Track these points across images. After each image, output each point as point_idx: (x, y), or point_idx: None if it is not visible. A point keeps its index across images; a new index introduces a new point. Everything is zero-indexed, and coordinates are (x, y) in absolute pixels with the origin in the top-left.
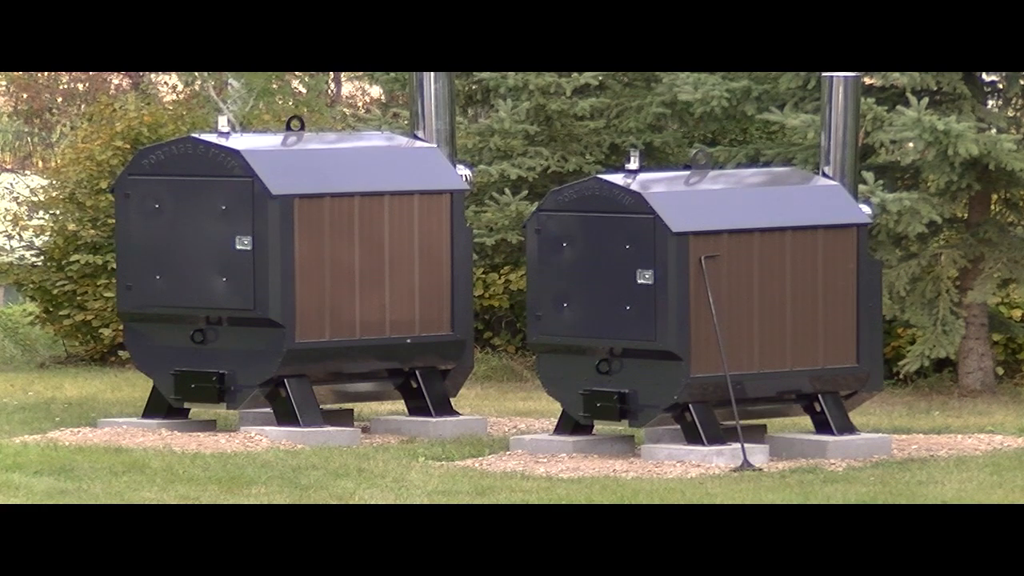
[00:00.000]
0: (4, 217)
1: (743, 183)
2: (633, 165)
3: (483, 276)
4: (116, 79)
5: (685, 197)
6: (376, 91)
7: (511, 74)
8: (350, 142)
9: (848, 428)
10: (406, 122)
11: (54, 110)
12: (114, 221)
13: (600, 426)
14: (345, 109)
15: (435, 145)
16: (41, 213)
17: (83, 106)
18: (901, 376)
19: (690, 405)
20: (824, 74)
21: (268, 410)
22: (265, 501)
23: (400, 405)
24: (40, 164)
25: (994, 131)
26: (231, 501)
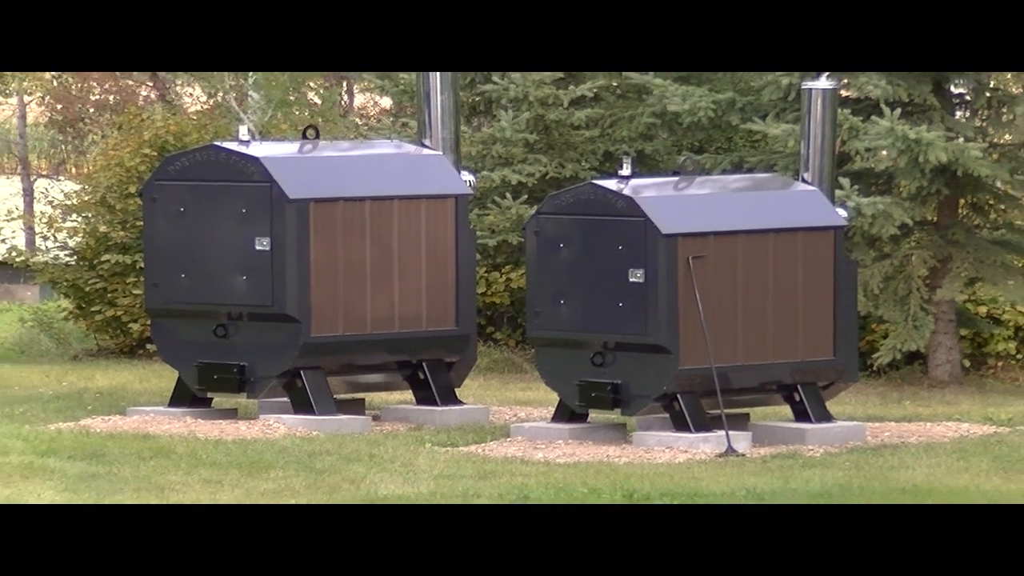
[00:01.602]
0: (40, 220)
1: (728, 188)
2: (626, 171)
3: (486, 275)
4: (144, 91)
5: (674, 201)
6: (386, 102)
7: (512, 86)
8: (362, 150)
9: (825, 416)
10: (414, 131)
11: (86, 120)
12: (142, 223)
13: (594, 414)
14: (357, 119)
15: (441, 153)
16: (74, 216)
17: (113, 116)
18: (875, 368)
19: (678, 395)
20: (803, 86)
21: (285, 399)
22: (283, 484)
23: (408, 395)
24: (73, 170)
25: (962, 140)
26: (251, 484)
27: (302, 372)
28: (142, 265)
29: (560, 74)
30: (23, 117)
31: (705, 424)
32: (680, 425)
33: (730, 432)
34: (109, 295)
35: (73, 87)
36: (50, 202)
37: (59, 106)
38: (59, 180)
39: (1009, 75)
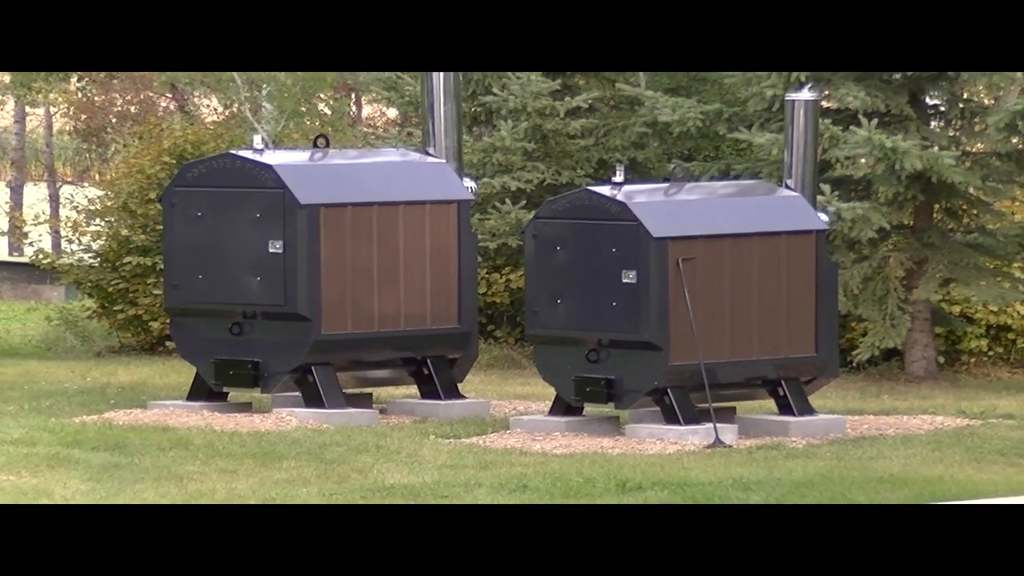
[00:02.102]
0: (65, 224)
1: (716, 194)
2: (619, 178)
3: (486, 276)
4: (164, 102)
5: (665, 206)
6: (392, 112)
7: (511, 97)
8: (369, 158)
9: (807, 410)
10: (419, 140)
11: (109, 129)
12: (162, 227)
13: (589, 408)
14: (365, 128)
15: (444, 160)
16: (97, 220)
17: (134, 126)
18: (854, 364)
19: (668, 389)
20: (787, 98)
21: (297, 394)
22: (294, 474)
23: (413, 389)
24: (97, 177)
25: (936, 148)
26: (265, 474)
27: (313, 368)
28: (162, 267)
29: (557, 86)
30: (49, 127)
31: (694, 417)
32: (670, 418)
33: (717, 424)
34: (131, 295)
35: (96, 98)
36: (75, 207)
37: (83, 116)
38: (83, 186)
39: (981, 87)
